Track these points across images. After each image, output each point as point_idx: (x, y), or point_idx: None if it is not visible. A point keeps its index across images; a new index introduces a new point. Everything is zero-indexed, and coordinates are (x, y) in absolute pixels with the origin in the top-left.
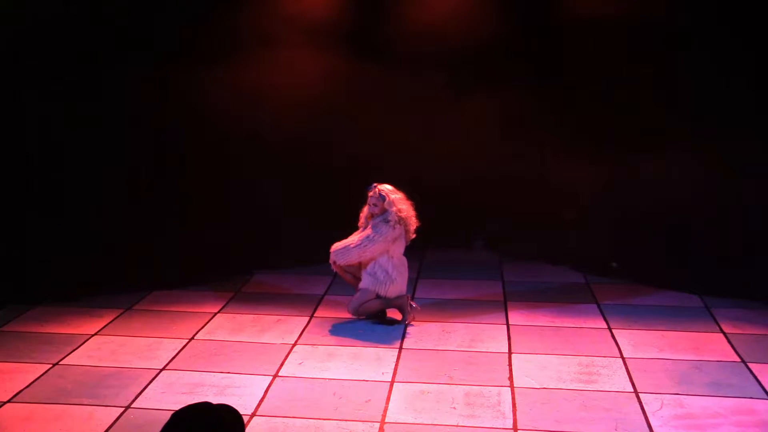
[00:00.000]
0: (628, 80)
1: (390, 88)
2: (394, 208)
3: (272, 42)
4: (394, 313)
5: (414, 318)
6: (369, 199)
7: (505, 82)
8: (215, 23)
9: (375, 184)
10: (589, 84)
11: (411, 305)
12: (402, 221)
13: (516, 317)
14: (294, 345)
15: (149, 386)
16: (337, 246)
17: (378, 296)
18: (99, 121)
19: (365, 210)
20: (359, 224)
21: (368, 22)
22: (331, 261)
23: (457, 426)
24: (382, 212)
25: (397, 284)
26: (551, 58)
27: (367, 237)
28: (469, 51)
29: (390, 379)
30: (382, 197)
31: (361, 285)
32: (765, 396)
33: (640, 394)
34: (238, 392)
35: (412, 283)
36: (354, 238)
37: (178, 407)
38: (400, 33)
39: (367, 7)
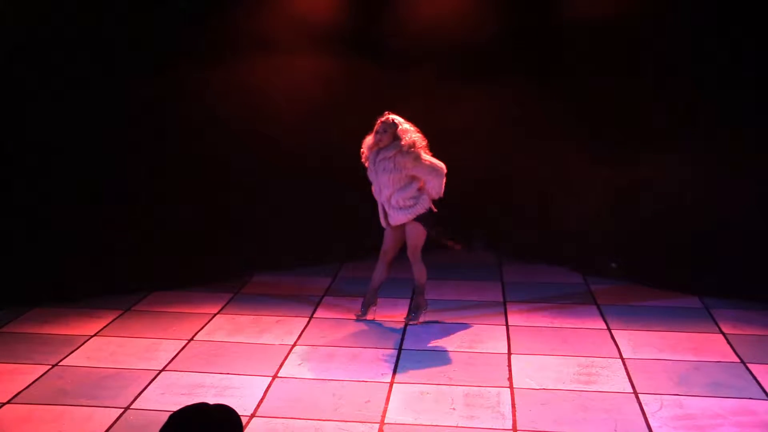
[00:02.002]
0: (628, 81)
1: (390, 88)
2: (407, 136)
3: (272, 43)
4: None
5: (417, 319)
6: (378, 126)
7: (505, 82)
8: (215, 24)
9: (387, 112)
10: (590, 84)
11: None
12: (414, 146)
13: (515, 318)
14: (293, 346)
15: (148, 387)
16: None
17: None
18: (98, 122)
19: (368, 139)
20: (363, 159)
21: (367, 22)
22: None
23: (456, 427)
24: (391, 142)
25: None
26: (552, 58)
27: (426, 165)
28: (470, 51)
29: (389, 380)
30: (393, 124)
31: (403, 220)
32: (765, 397)
33: (639, 395)
34: (237, 393)
35: (412, 284)
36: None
37: (177, 408)
38: (398, 33)
39: (365, 7)
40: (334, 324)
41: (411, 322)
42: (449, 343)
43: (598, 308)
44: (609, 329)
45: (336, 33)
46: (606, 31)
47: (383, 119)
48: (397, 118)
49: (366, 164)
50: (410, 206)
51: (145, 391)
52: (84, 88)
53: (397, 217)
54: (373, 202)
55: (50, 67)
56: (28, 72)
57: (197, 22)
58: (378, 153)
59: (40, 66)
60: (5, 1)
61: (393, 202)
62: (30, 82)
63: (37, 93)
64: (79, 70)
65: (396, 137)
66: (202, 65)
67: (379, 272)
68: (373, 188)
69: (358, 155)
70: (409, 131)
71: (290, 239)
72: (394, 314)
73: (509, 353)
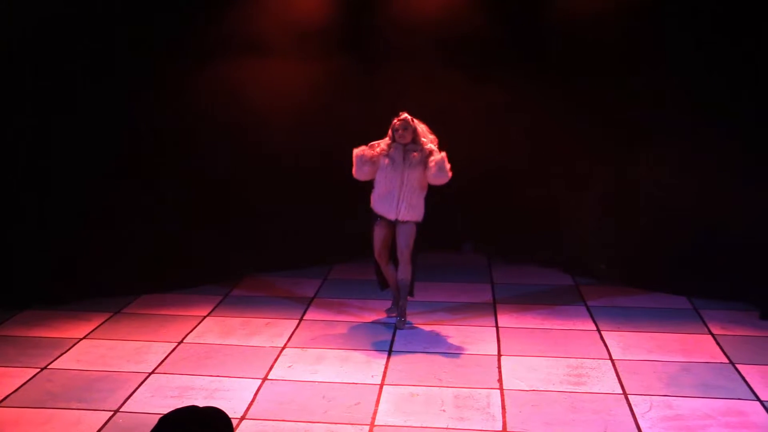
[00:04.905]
0: (625, 81)
1: (385, 86)
2: (432, 136)
3: (265, 45)
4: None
5: (404, 324)
6: (398, 124)
7: (500, 81)
8: (211, 26)
9: (401, 112)
10: (586, 85)
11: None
12: (433, 154)
13: (505, 319)
14: (283, 348)
15: (138, 390)
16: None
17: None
18: (91, 123)
19: (383, 143)
20: (378, 151)
21: (359, 20)
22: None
23: (446, 428)
24: (413, 139)
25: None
26: (549, 58)
27: (445, 171)
28: (464, 50)
29: (379, 382)
30: (412, 123)
31: (410, 218)
32: (753, 397)
33: (629, 396)
34: (227, 395)
35: (396, 284)
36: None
37: (166, 411)
38: (392, 32)
39: (356, 6)
40: (324, 326)
41: (399, 327)
42: (439, 345)
43: (588, 309)
44: (598, 330)
45: (329, 33)
46: (603, 30)
47: (402, 117)
48: (413, 118)
49: (377, 152)
50: (418, 206)
51: (134, 394)
52: (79, 89)
53: (406, 214)
54: (363, 204)
55: (46, 68)
56: (24, 73)
57: (191, 24)
58: (404, 147)
59: (36, 67)
60: (3, 2)
61: (408, 197)
62: (25, 83)
63: (33, 93)
64: (75, 71)
65: (416, 136)
66: (201, 67)
67: (390, 273)
68: (389, 178)
69: (350, 157)
70: (425, 133)
71: (280, 241)
72: (382, 314)
73: (499, 355)
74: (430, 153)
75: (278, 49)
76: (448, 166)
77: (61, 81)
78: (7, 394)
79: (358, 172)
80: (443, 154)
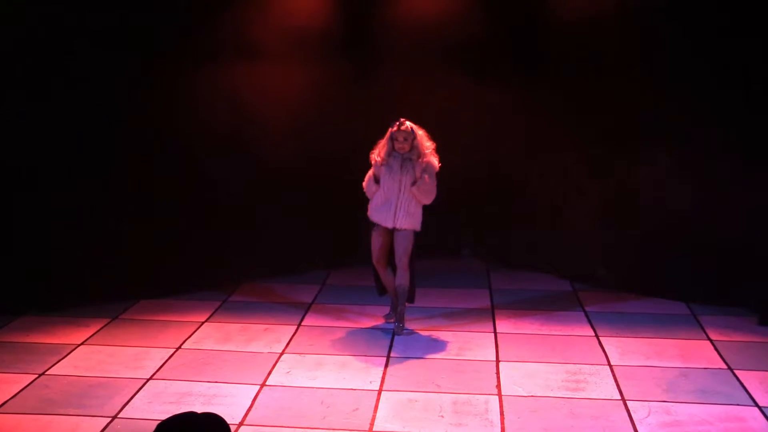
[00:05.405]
0: (624, 81)
1: (383, 92)
2: (428, 143)
3: (259, 47)
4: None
5: (402, 330)
6: (397, 134)
7: (498, 85)
8: (210, 28)
9: (402, 119)
10: (583, 87)
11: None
12: (429, 166)
13: (503, 325)
14: (282, 354)
15: (136, 396)
16: (422, 193)
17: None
18: (84, 129)
19: (381, 147)
20: (380, 160)
21: (357, 24)
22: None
23: None
24: (411, 147)
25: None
26: (543, 59)
27: (432, 187)
28: (463, 53)
29: (378, 388)
30: (412, 132)
31: (407, 226)
32: (751, 403)
33: (627, 402)
34: (225, 401)
35: (394, 291)
36: (419, 185)
37: (164, 417)
38: (390, 35)
39: (355, 9)
40: (322, 332)
41: (397, 333)
42: (437, 351)
43: (586, 315)
44: (597, 336)
45: (328, 37)
46: (603, 30)
47: (403, 128)
48: (413, 126)
49: (378, 161)
50: (415, 214)
51: (132, 400)
52: (76, 89)
53: (404, 221)
54: (360, 210)
55: (42, 69)
56: (19, 74)
57: (190, 26)
58: (402, 155)
59: (31, 67)
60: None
61: (406, 205)
62: (17, 83)
63: (31, 94)
64: (73, 69)
65: (414, 146)
66: (200, 68)
67: (388, 279)
68: (386, 186)
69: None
70: (425, 141)
71: (278, 247)
72: (381, 320)
73: (497, 360)
74: (423, 168)
75: (277, 52)
76: (434, 185)
77: (59, 81)
78: (4, 400)
79: (372, 194)
80: (430, 173)
